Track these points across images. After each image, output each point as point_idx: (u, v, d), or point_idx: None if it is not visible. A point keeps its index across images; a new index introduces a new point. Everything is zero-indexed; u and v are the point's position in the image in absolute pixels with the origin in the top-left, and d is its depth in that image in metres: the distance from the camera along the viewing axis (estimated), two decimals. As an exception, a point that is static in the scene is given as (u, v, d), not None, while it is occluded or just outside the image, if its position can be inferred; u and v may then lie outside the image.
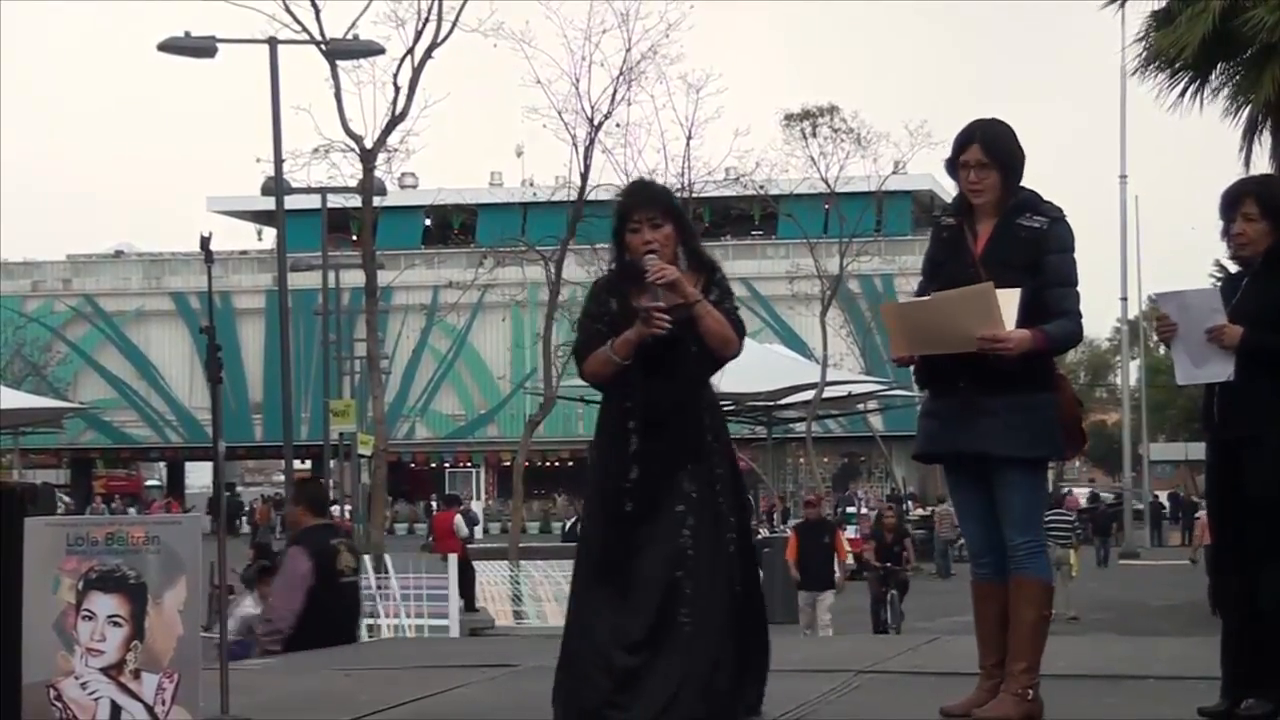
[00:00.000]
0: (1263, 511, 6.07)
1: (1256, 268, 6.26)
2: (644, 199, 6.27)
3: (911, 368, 6.44)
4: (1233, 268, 6.64)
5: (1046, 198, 6.33)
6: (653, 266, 6.09)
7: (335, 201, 34.11)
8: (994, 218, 6.29)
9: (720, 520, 6.12)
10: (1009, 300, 6.04)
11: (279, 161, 23.92)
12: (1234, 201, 6.27)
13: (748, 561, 6.26)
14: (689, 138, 37.26)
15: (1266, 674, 6.09)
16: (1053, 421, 6.23)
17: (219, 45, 23.87)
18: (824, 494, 43.91)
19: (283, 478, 28.20)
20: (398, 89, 26.06)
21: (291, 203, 26.68)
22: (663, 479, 6.07)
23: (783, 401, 37.92)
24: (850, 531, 37.65)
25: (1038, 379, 6.20)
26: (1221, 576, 6.25)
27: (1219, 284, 6.53)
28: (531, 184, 49.16)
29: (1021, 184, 6.32)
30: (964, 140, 6.30)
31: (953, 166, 6.33)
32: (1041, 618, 6.30)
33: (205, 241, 7.01)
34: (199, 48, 23.76)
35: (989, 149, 6.25)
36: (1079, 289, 6.22)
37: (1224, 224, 6.35)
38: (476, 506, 53.62)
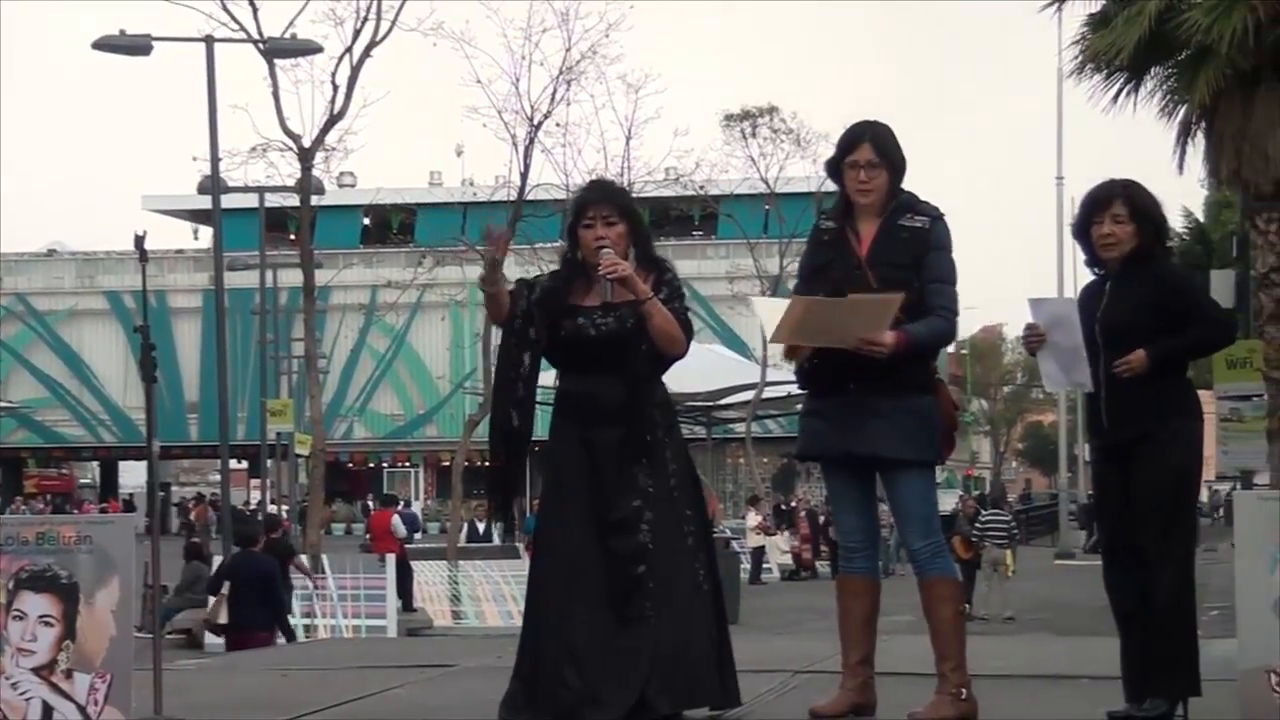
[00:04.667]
0: (1153, 510, 6.14)
1: (1117, 271, 6.32)
2: (600, 195, 6.33)
3: (793, 367, 6.49)
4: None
5: (924, 198, 6.38)
6: (606, 261, 6.11)
7: (273, 200, 33.94)
8: (877, 219, 6.31)
9: (678, 514, 6.18)
10: (894, 302, 6.10)
11: (215, 160, 23.80)
12: (1103, 203, 6.34)
13: (707, 554, 6.31)
14: (629, 138, 37.33)
15: (1162, 673, 6.14)
16: (937, 424, 6.29)
17: (154, 43, 23.70)
18: (764, 494, 44.03)
19: (218, 477, 28.00)
20: (336, 88, 25.96)
21: (228, 201, 26.51)
22: (618, 476, 6.11)
23: (722, 402, 38.00)
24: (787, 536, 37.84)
25: (922, 382, 6.26)
26: (1115, 578, 6.29)
27: (1097, 282, 6.54)
28: (471, 184, 49.02)
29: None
30: (854, 140, 6.32)
31: (836, 167, 6.35)
32: (958, 614, 6.37)
33: (140, 240, 6.96)
34: (134, 46, 23.59)
35: (880, 149, 6.29)
36: (955, 287, 6.28)
37: (1082, 224, 6.41)
38: (415, 506, 53.50)
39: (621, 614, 6.03)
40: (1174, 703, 6.14)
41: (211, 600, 17.03)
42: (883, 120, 6.39)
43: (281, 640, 15.94)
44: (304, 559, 21.01)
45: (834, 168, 6.35)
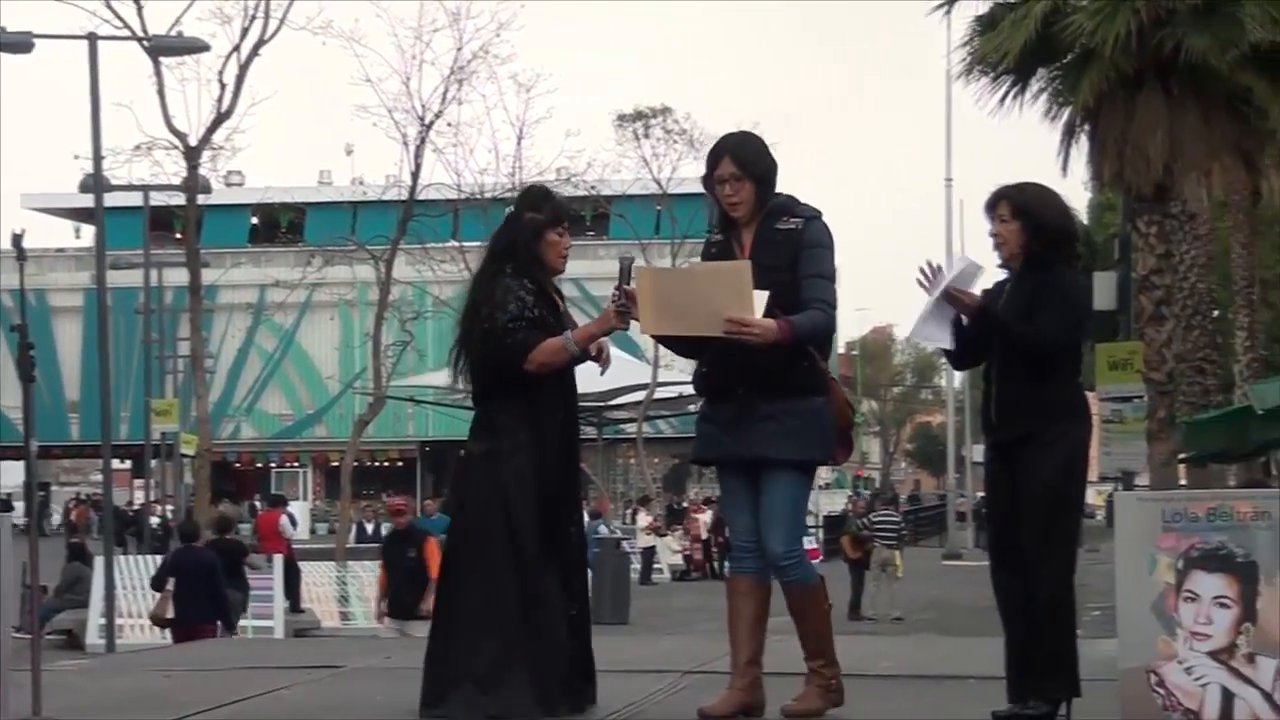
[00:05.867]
0: (1035, 510, 6.23)
1: (1015, 273, 6.46)
2: (571, 212, 6.73)
3: (691, 376, 6.65)
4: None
5: (804, 201, 6.47)
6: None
7: (158, 199, 33.56)
8: (753, 226, 6.42)
9: (581, 519, 6.71)
10: (759, 300, 6.16)
11: (98, 159, 23.49)
12: (991, 205, 6.50)
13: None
14: (520, 137, 37.30)
15: (1043, 674, 6.22)
16: (826, 426, 6.37)
17: (36, 41, 23.35)
18: (655, 494, 44.10)
19: (100, 477, 27.66)
20: (223, 86, 25.78)
21: (112, 200, 26.16)
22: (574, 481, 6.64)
23: (614, 402, 38.05)
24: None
25: (811, 383, 6.33)
26: (1001, 576, 6.38)
27: (999, 284, 6.68)
28: (361, 183, 48.76)
29: (777, 191, 6.46)
30: (715, 156, 6.46)
31: (708, 184, 6.46)
32: (824, 614, 6.45)
33: (18, 238, 6.91)
34: (15, 43, 23.21)
35: (740, 161, 6.40)
36: (833, 283, 6.34)
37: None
38: (303, 506, 53.09)
39: (559, 613, 6.45)
40: (1055, 703, 6.22)
41: (157, 596, 17.20)
42: (749, 130, 6.65)
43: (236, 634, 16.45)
44: (257, 558, 20.99)
45: (707, 184, 6.47)
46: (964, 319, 6.38)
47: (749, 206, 6.38)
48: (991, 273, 6.53)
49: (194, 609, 15.90)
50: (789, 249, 6.30)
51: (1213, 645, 5.74)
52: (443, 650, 6.46)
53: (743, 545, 6.48)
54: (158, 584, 17.07)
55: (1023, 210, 6.42)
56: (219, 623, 16.18)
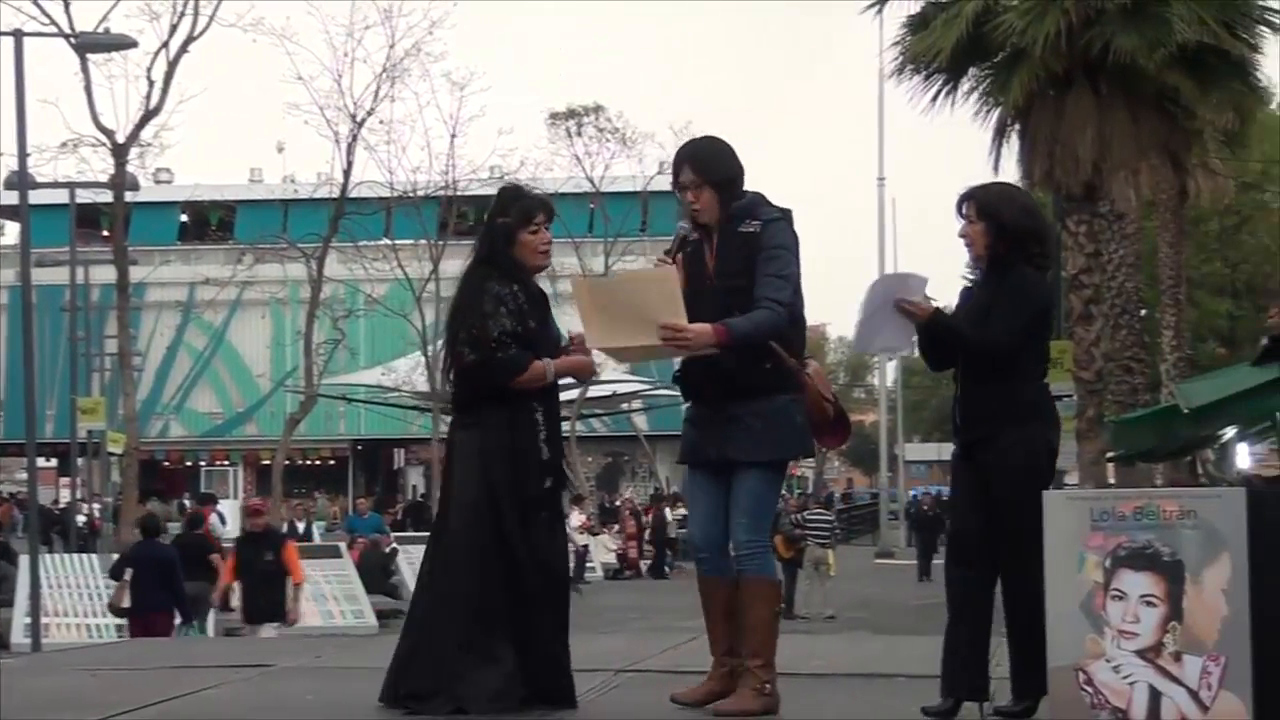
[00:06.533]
0: (1004, 510, 6.29)
1: (984, 270, 6.54)
2: (545, 203, 6.78)
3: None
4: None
5: (771, 201, 6.53)
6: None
7: (85, 197, 33.28)
8: (718, 230, 6.50)
9: (563, 517, 6.81)
10: (670, 279, 6.25)
11: (23, 155, 23.27)
12: (959, 205, 6.58)
13: None
14: (453, 135, 37.23)
15: (1023, 671, 6.26)
16: (794, 423, 6.44)
17: (-42, 37, 23.09)
18: (589, 493, 44.06)
19: (25, 475, 27.36)
20: (152, 83, 25.58)
21: (37, 197, 25.93)
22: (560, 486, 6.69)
23: (546, 401, 37.86)
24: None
25: (776, 383, 6.39)
26: (955, 570, 6.43)
27: (969, 286, 6.76)
28: (293, 181, 48.51)
29: (745, 189, 6.52)
30: (677, 163, 6.56)
31: (675, 190, 6.57)
32: (773, 614, 6.52)
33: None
34: (-62, 40, 22.95)
35: (700, 169, 6.48)
36: (788, 283, 6.37)
37: None
38: (233, 505, 52.64)
39: (533, 609, 6.49)
40: (1034, 700, 6.21)
41: (114, 585, 17.31)
42: (711, 134, 6.65)
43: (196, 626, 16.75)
44: (218, 556, 20.99)
45: (675, 188, 6.58)
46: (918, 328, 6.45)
47: (713, 212, 6.46)
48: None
49: (150, 598, 16.11)
50: (746, 252, 6.38)
51: (1140, 644, 5.77)
52: (412, 643, 6.53)
53: (703, 547, 6.59)
54: (116, 573, 17.27)
55: (986, 210, 6.47)
56: (176, 615, 16.39)
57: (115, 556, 20.94)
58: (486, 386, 6.47)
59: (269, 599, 15.27)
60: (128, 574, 16.46)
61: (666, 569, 36.87)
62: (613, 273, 42.70)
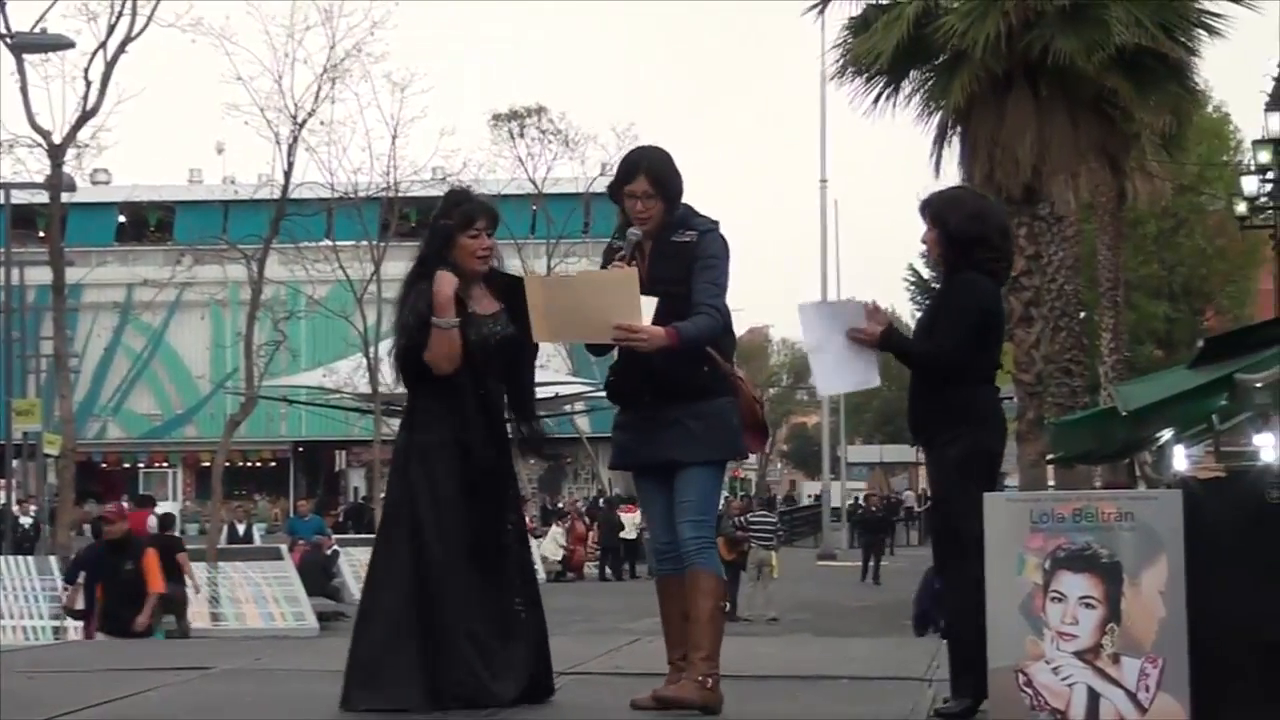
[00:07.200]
0: (940, 512, 6.48)
1: (943, 276, 6.70)
2: (488, 209, 6.86)
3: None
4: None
5: (702, 212, 6.66)
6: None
7: (21, 197, 33.00)
8: (655, 239, 6.60)
9: (521, 514, 6.90)
10: (648, 306, 6.35)
11: (-43, 157, 23.08)
12: (920, 212, 6.69)
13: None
14: (394, 137, 37.15)
15: (961, 670, 6.36)
16: (732, 425, 6.59)
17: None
18: (530, 495, 44.01)
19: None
20: (89, 84, 25.33)
21: (-28, 198, 25.64)
22: (500, 477, 6.71)
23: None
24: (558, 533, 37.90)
25: (715, 386, 6.54)
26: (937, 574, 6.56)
27: (912, 287, 6.88)
28: (233, 182, 48.26)
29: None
30: (630, 171, 6.60)
31: (617, 193, 6.61)
32: (717, 609, 6.59)
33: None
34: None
35: (655, 180, 6.56)
36: (723, 291, 6.52)
37: None
38: (172, 507, 52.35)
39: (500, 608, 6.58)
40: (974, 700, 6.26)
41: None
42: (657, 145, 6.73)
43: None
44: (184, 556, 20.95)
45: (615, 194, 6.62)
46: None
47: (657, 221, 6.55)
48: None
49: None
50: (683, 261, 6.49)
51: (1079, 645, 5.81)
52: (354, 644, 6.65)
53: (662, 549, 6.68)
54: (70, 577, 17.28)
55: (937, 217, 6.60)
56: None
57: (53, 559, 20.83)
58: (407, 367, 6.66)
59: (131, 610, 14.81)
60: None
61: (609, 570, 36.93)
62: (553, 273, 42.77)
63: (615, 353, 6.62)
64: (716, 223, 6.64)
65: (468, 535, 6.56)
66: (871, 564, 35.28)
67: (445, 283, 6.57)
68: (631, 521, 36.52)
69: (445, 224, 6.74)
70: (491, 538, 6.64)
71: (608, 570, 37.21)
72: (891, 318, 6.81)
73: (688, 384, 6.43)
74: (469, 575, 6.54)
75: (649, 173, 6.55)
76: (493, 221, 6.83)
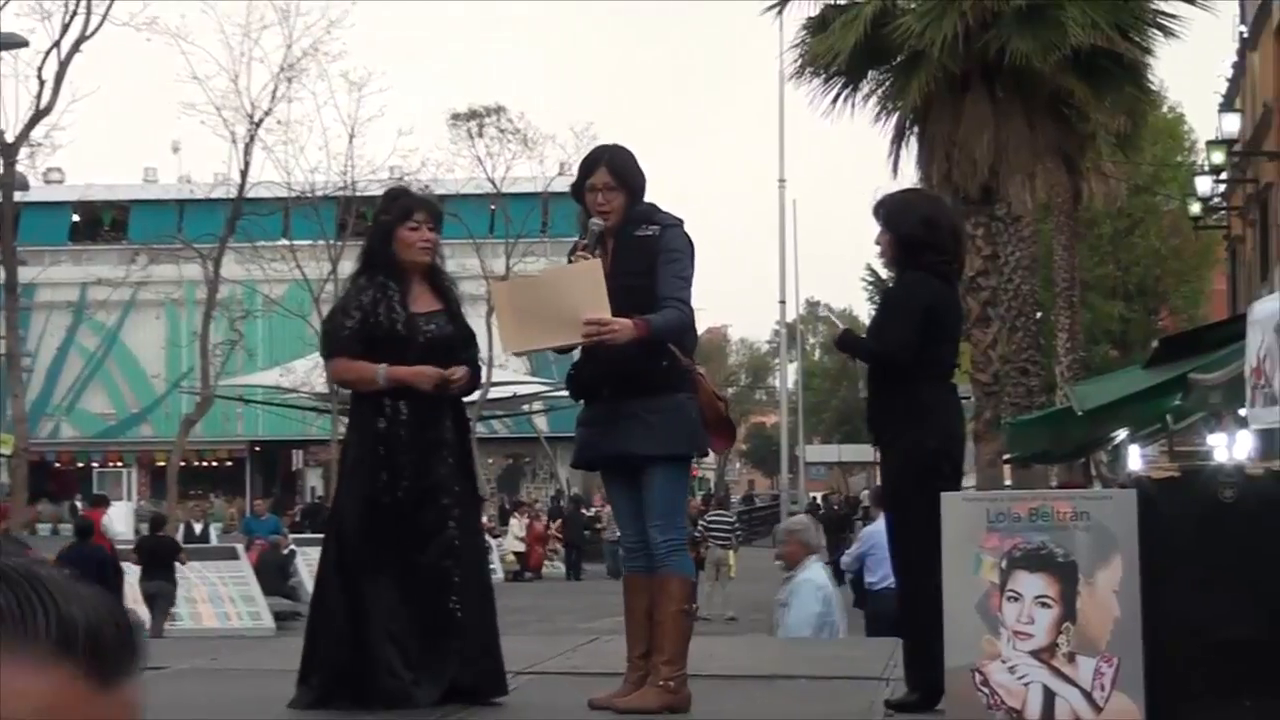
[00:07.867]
0: (887, 510, 6.61)
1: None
2: (428, 203, 6.96)
3: (567, 380, 6.81)
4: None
5: (664, 209, 6.70)
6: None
7: (-27, 195, 32.72)
8: (617, 234, 6.62)
9: (475, 513, 6.91)
10: (596, 270, 6.37)
11: (-88, 153, 22.90)
12: (873, 215, 6.76)
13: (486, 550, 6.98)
14: (352, 136, 37.01)
15: (908, 666, 6.45)
16: (692, 420, 6.57)
17: None
18: (489, 494, 43.92)
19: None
20: (43, 82, 25.21)
21: (-73, 194, 25.43)
22: (434, 473, 6.60)
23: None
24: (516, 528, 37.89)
25: (673, 381, 6.52)
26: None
27: (870, 287, 6.94)
28: (189, 181, 47.98)
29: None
30: (591, 164, 6.65)
31: (579, 190, 6.64)
32: (683, 612, 6.59)
33: None
34: None
35: (616, 172, 6.59)
36: (688, 285, 6.55)
37: None
38: (127, 507, 52.10)
39: (433, 607, 6.52)
40: (930, 693, 6.26)
41: None
42: (621, 144, 6.76)
43: None
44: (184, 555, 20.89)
45: (578, 191, 6.64)
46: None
47: (618, 215, 6.56)
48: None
49: None
50: (647, 255, 6.49)
51: (1034, 644, 5.83)
52: (304, 644, 6.77)
53: (631, 545, 6.69)
54: None
55: (888, 220, 6.68)
56: None
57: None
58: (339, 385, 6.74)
59: None
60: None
61: (574, 568, 36.97)
62: (514, 274, 42.68)
63: (578, 350, 6.62)
64: (680, 220, 6.65)
65: (401, 536, 6.53)
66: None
67: (424, 380, 6.56)
68: (511, 532, 36.66)
69: (384, 219, 6.79)
70: (427, 537, 6.58)
71: (575, 566, 37.23)
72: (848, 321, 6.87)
73: (646, 378, 6.42)
74: (400, 576, 6.52)
75: (610, 165, 6.58)
76: (434, 216, 6.86)
